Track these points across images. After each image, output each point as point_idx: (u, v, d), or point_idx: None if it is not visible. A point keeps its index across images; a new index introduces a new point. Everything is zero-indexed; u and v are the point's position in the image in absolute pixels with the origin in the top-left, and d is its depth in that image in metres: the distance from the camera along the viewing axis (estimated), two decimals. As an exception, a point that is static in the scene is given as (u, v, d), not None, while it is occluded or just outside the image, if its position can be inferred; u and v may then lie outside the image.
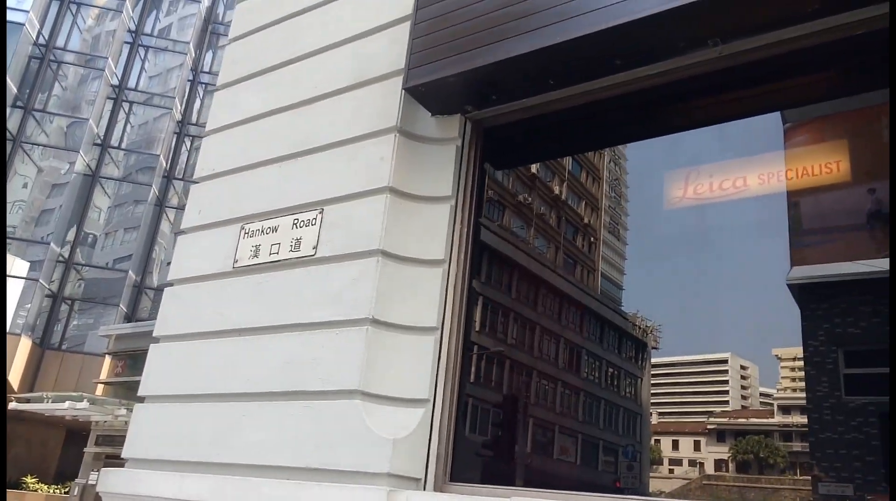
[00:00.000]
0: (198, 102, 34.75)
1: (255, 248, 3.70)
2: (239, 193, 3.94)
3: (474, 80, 3.27)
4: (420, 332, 3.18)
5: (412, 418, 3.00)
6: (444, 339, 3.20)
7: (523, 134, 3.72)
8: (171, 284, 3.99)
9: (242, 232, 3.79)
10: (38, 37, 27.90)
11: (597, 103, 3.31)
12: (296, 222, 3.61)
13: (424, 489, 2.90)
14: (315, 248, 3.46)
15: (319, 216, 3.53)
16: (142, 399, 3.79)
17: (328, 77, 3.88)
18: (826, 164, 5.13)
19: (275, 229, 3.68)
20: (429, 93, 3.41)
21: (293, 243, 3.56)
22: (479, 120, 3.57)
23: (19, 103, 27.18)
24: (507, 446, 6.81)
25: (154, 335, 3.85)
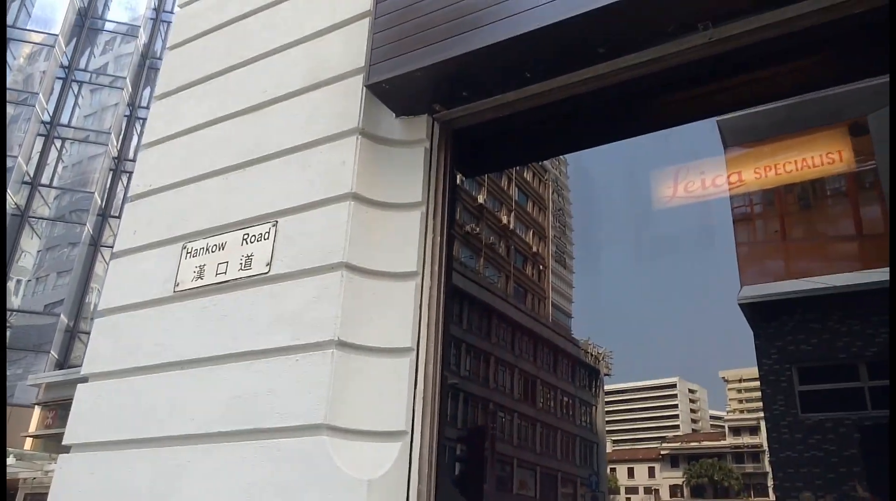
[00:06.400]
0: (135, 139, 33.69)
1: (199, 268, 3.26)
2: (180, 209, 3.51)
3: (443, 74, 2.98)
4: (393, 354, 2.80)
5: (388, 453, 2.60)
6: (419, 361, 2.83)
7: (496, 136, 3.44)
8: (101, 314, 3.50)
9: (184, 252, 3.35)
10: (-38, 72, 26.51)
11: (576, 99, 3.05)
12: (246, 237, 3.21)
13: (406, 536, 2.50)
14: (269, 265, 3.06)
15: (273, 230, 3.14)
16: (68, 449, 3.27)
17: (279, 80, 3.52)
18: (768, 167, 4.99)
19: (222, 247, 3.26)
20: (393, 90, 3.09)
21: (243, 261, 3.15)
22: (449, 121, 3.27)
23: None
24: (474, 483, 6.39)
25: (82, 373, 3.34)
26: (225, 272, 3.17)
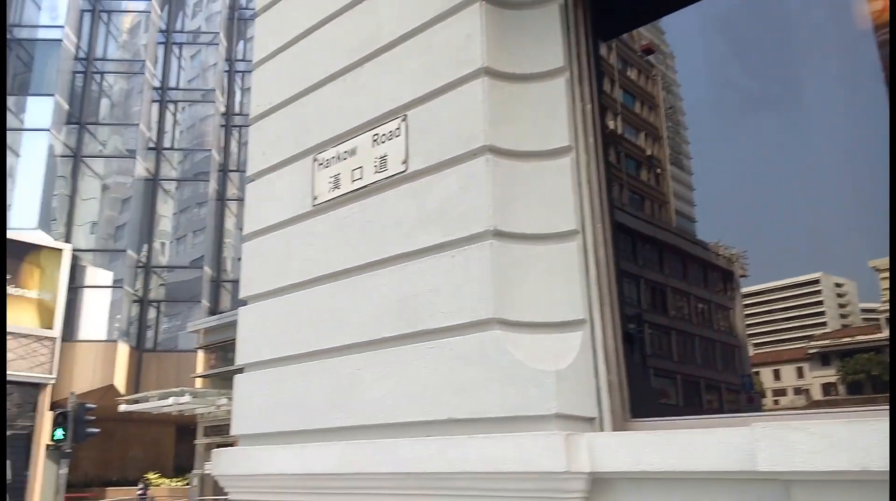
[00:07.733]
0: (238, 95, 34.80)
1: (334, 178, 3.11)
2: (303, 121, 3.35)
3: None
4: (557, 239, 2.52)
5: (569, 344, 2.37)
6: (587, 245, 2.54)
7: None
8: (247, 238, 3.47)
9: (316, 164, 3.20)
10: (77, 50, 28.07)
11: None
12: (376, 138, 2.99)
13: (602, 429, 2.29)
14: (405, 162, 2.84)
15: (403, 125, 2.90)
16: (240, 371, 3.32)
17: (383, -38, 3.20)
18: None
19: (352, 152, 3.07)
20: (515, -60, 2.68)
21: (378, 163, 2.95)
22: (580, -30, 2.82)
23: (73, 120, 27.51)
24: (658, 375, 6.16)
25: (240, 296, 3.35)
26: (361, 178, 2.99)
